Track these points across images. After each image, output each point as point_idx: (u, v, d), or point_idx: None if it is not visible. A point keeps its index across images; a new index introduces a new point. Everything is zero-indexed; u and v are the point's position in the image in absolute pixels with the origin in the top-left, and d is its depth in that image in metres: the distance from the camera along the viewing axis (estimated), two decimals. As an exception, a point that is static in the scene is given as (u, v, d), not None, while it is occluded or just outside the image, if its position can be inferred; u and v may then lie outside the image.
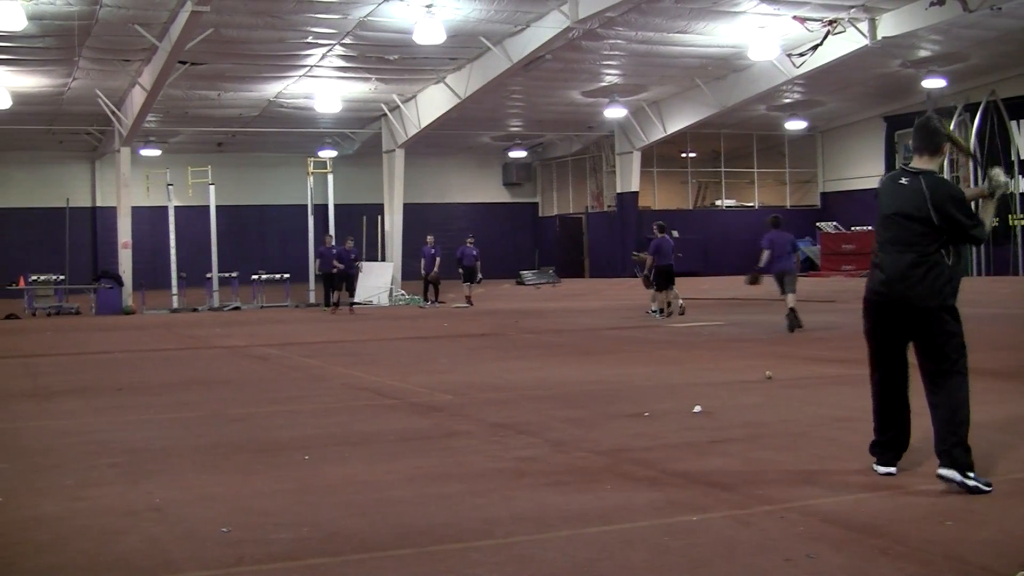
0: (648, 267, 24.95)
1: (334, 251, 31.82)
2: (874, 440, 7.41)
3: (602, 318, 25.06)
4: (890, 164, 41.30)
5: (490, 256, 47.52)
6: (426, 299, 33.85)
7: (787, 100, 40.95)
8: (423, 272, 34.09)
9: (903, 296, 7.07)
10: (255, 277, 35.05)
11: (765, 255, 20.33)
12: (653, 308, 24.91)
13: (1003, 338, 17.53)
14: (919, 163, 7.28)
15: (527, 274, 45.01)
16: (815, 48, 30.81)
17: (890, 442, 7.33)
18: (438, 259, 33.50)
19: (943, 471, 6.89)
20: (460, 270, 33.80)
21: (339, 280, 31.28)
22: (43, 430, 10.47)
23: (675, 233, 45.36)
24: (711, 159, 48.76)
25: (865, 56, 31.99)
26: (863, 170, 44.02)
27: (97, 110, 34.21)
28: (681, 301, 24.92)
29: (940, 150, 7.35)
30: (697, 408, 10.36)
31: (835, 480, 7.27)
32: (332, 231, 34.99)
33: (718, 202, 48.68)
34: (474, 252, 33.65)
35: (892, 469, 7.31)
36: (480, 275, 33.88)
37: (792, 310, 19.83)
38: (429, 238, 34.44)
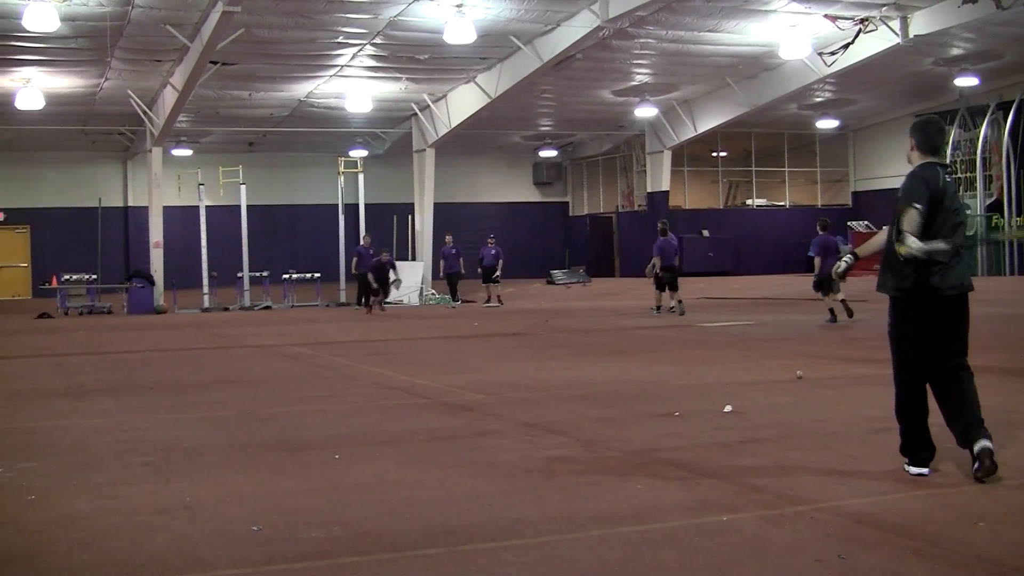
0: (656, 266, 25.49)
1: (371, 251, 32.05)
2: (905, 441, 7.39)
3: (633, 317, 25.00)
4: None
5: (520, 255, 47.69)
6: (455, 298, 33.87)
7: (818, 99, 40.75)
8: (443, 273, 34.22)
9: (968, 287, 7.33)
10: (286, 276, 35.12)
11: (818, 261, 22.08)
12: (657, 307, 25.62)
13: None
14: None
15: (557, 273, 44.98)
16: (846, 46, 30.70)
17: (925, 442, 7.30)
18: (461, 259, 33.65)
19: (986, 442, 7.06)
20: (479, 270, 33.81)
21: (376, 279, 30.91)
22: (75, 428, 10.53)
23: (705, 232, 45.56)
24: (742, 158, 48.61)
25: (897, 54, 31.80)
26: (895, 169, 43.64)
27: (129, 110, 34.40)
28: (673, 303, 25.39)
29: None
30: (728, 408, 10.33)
31: (867, 480, 7.23)
32: (364, 230, 35.16)
33: (749, 201, 48.52)
34: (493, 251, 33.65)
35: (925, 470, 7.27)
36: (498, 274, 33.70)
37: (843, 301, 21.37)
38: (448, 238, 34.41)
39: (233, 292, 35.40)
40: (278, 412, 11.20)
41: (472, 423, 10.13)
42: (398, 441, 9.19)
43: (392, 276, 30.75)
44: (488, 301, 32.98)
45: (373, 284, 30.50)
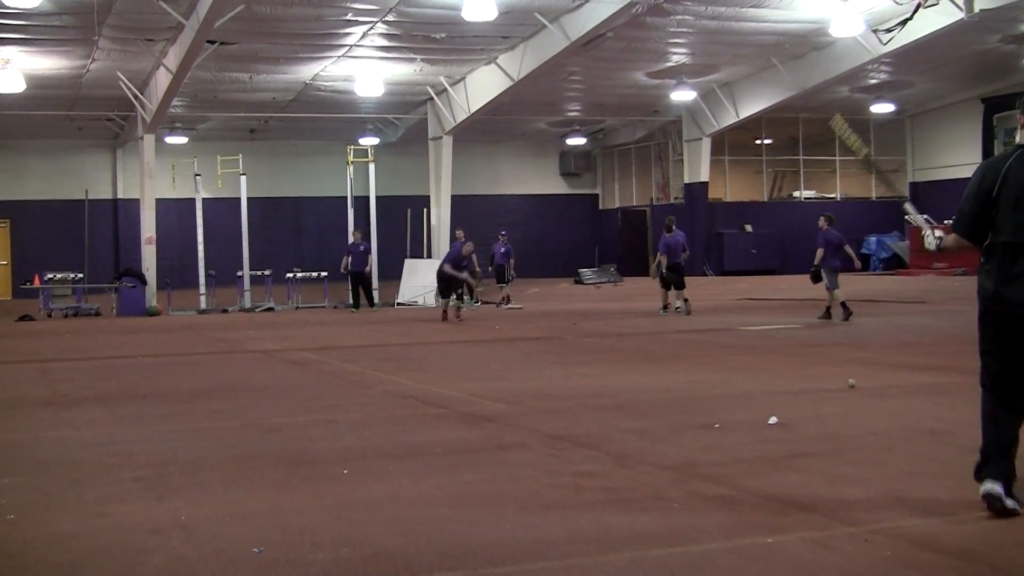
0: (661, 265, 26.87)
1: (362, 247, 32.28)
2: (984, 460, 6.90)
3: (668, 320, 24.99)
4: (988, 151, 40.74)
5: (545, 253, 47.73)
6: (473, 299, 33.81)
7: (873, 81, 40.63)
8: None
9: None
10: (290, 275, 35.19)
11: (820, 253, 23.94)
12: (664, 306, 27.01)
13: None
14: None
15: (586, 272, 44.97)
16: (904, 23, 30.54)
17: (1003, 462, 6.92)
18: (473, 256, 33.59)
19: None
20: (490, 268, 33.82)
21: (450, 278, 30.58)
22: (61, 441, 10.58)
23: (748, 227, 45.53)
24: (788, 146, 48.49)
25: (961, 31, 31.65)
26: (957, 158, 43.59)
27: (119, 94, 34.49)
28: (679, 303, 26.49)
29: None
30: (773, 419, 10.32)
31: (926, 499, 7.21)
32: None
33: (796, 193, 48.39)
34: (503, 249, 33.65)
35: (998, 489, 6.91)
36: (513, 273, 33.81)
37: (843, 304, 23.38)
38: (459, 233, 34.36)
39: (232, 292, 35.48)
40: (282, 423, 11.24)
41: (493, 435, 10.15)
42: (413, 455, 9.22)
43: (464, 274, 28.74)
44: (502, 303, 33.02)
45: (458, 276, 27.78)
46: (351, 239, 33.98)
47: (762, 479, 7.94)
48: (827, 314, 23.62)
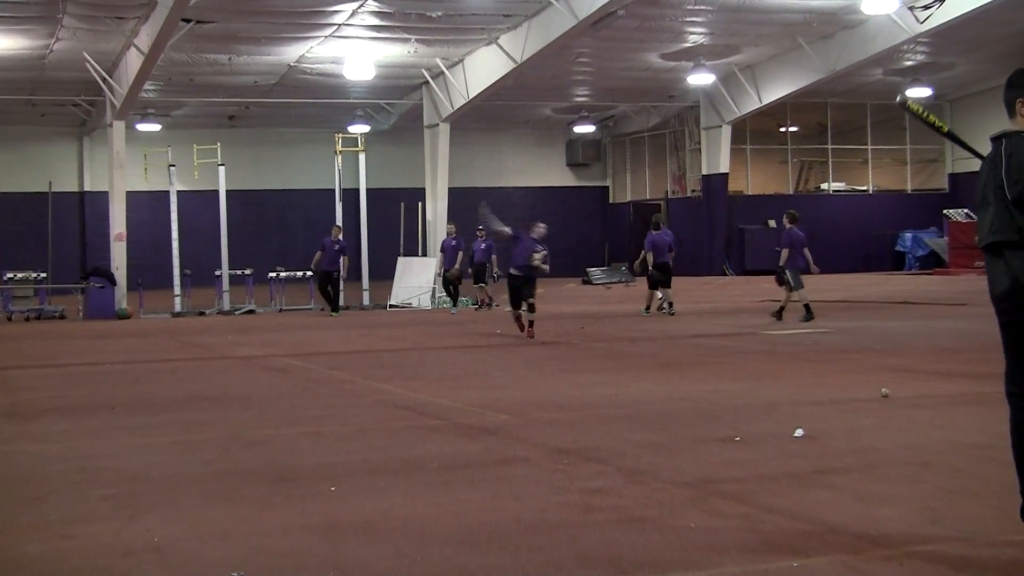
0: (644, 263, 28.13)
1: (337, 246, 32.17)
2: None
3: (686, 323, 25.00)
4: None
5: (551, 250, 47.45)
6: (454, 302, 33.53)
7: (908, 63, 40.64)
8: (443, 269, 34.07)
9: None
10: (273, 275, 35.18)
11: (784, 254, 25.03)
12: (662, 305, 28.06)
13: None
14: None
15: (595, 271, 45.01)
16: (943, -1, 30.61)
17: None
18: (460, 253, 33.51)
19: None
20: (470, 269, 33.63)
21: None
22: (24, 455, 10.58)
23: (771, 223, 45.45)
24: (816, 134, 48.54)
25: (1005, 8, 31.68)
26: (1001, 147, 43.51)
27: (86, 77, 34.46)
28: (664, 304, 27.92)
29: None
30: (799, 431, 10.32)
31: (967, 520, 7.21)
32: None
33: (824, 186, 48.44)
34: (483, 246, 33.48)
35: None
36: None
37: (800, 304, 24.71)
38: (450, 227, 34.32)
39: (210, 293, 35.49)
40: (265, 436, 11.25)
41: (494, 449, 10.16)
42: (407, 470, 9.22)
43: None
44: (481, 306, 32.91)
45: (542, 267, 23.72)
46: (331, 234, 33.29)
47: (787, 497, 7.95)
48: (779, 315, 24.90)
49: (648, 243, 27.97)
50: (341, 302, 33.80)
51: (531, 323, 22.60)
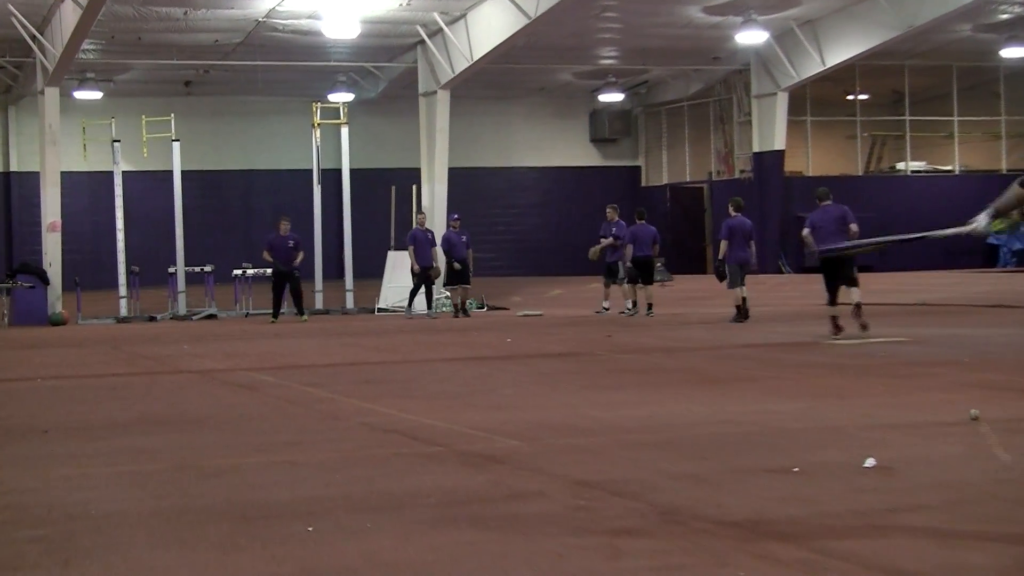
0: (625, 257, 30.12)
1: (290, 243, 32.13)
2: None
3: (732, 331, 25.03)
4: None
5: (571, 243, 47.66)
6: (452, 307, 33.57)
7: (1004, 16, 40.56)
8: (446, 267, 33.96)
9: None
10: (238, 273, 35.26)
11: (724, 246, 26.90)
12: (628, 306, 30.25)
13: None
14: None
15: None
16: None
17: None
18: (470, 249, 33.53)
19: None
20: (455, 265, 33.36)
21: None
22: (-61, 488, 10.61)
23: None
24: (891, 104, 48.54)
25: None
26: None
27: (11, 35, 34.51)
28: (635, 299, 29.91)
29: None
30: (870, 461, 10.31)
31: (1072, 566, 7.22)
32: (347, 205, 35.27)
33: (900, 165, 48.38)
34: (463, 238, 33.32)
35: None
36: (470, 270, 33.51)
37: (743, 299, 26.61)
38: (454, 218, 34.15)
39: (162, 295, 35.56)
40: (227, 465, 11.26)
41: (503, 481, 10.17)
42: (397, 507, 9.23)
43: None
44: (459, 312, 32.87)
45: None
46: (280, 230, 32.93)
47: (855, 540, 7.95)
48: (741, 316, 26.59)
49: (629, 234, 30.04)
50: (319, 304, 33.84)
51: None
